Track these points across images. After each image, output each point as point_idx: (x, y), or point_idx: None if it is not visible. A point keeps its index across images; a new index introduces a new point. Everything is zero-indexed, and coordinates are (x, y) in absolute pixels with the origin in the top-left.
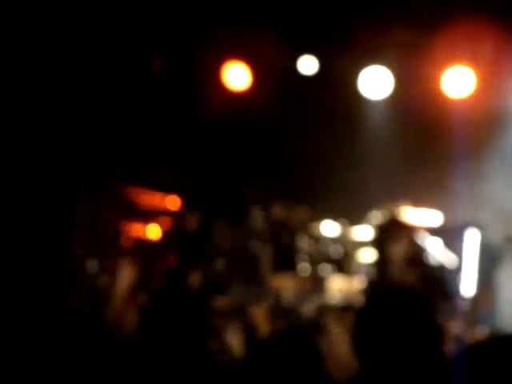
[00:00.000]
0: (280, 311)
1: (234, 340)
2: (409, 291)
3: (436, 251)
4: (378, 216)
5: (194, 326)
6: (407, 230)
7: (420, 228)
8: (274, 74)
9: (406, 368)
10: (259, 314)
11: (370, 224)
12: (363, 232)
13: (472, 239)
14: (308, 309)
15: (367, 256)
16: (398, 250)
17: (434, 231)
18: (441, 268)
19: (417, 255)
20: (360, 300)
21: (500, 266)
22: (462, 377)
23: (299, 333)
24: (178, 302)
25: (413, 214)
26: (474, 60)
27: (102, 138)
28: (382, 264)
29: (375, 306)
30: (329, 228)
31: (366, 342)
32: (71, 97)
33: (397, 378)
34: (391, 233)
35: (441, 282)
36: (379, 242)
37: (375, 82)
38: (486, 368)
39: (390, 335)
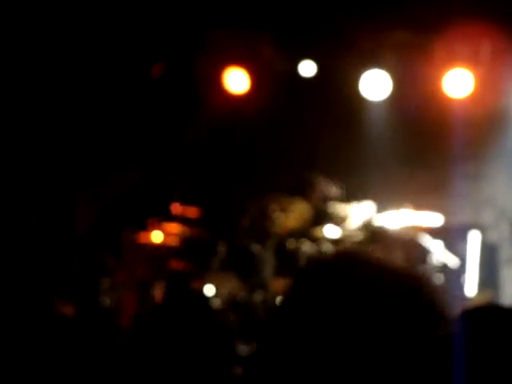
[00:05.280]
0: None
1: None
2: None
3: (438, 253)
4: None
5: (200, 327)
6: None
7: (423, 230)
8: (273, 78)
9: None
10: None
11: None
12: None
13: (474, 241)
14: None
15: None
16: None
17: (435, 233)
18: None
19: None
20: None
21: (504, 268)
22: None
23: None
24: (183, 303)
25: (414, 217)
26: (472, 62)
27: (102, 144)
28: None
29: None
30: (330, 230)
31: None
32: (67, 104)
33: None
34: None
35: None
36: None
37: (374, 85)
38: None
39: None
